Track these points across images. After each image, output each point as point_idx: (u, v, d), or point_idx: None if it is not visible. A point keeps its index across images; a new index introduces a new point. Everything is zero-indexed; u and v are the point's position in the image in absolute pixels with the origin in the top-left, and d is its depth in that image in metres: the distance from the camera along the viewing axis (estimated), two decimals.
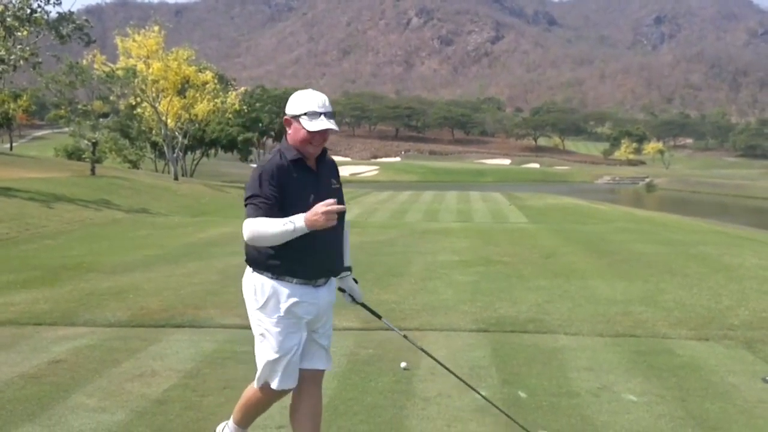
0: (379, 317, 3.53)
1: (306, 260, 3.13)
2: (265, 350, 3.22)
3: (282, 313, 3.16)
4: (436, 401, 4.62)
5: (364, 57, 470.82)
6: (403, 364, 5.30)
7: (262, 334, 3.22)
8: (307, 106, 3.14)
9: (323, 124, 3.13)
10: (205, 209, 26.39)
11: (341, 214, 3.09)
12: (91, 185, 25.04)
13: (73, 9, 24.95)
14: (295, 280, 3.17)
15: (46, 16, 22.45)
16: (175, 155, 39.61)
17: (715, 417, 4.41)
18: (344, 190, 3.51)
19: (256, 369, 3.32)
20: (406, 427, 4.17)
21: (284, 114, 3.24)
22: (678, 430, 4.21)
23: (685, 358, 5.68)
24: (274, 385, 3.24)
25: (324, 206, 2.92)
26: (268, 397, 3.34)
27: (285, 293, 3.16)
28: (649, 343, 6.14)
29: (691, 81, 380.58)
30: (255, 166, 3.24)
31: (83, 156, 37.89)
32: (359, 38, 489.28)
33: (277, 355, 3.18)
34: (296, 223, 2.94)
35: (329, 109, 3.18)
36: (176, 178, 36.36)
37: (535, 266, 10.45)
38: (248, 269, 3.27)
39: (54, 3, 22.44)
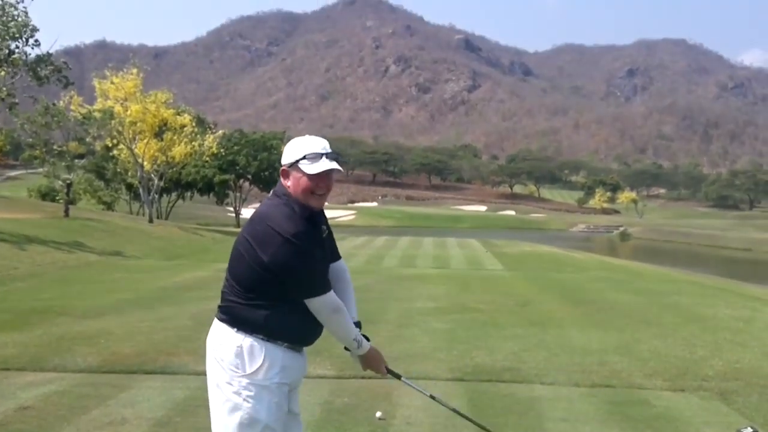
0: (399, 377, 3.29)
1: (305, 327, 2.89)
2: (247, 426, 2.77)
3: (278, 380, 2.82)
4: None
5: (343, 103, 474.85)
6: (378, 414, 5.25)
7: (245, 406, 2.77)
8: (307, 149, 2.81)
9: (325, 164, 2.80)
10: (180, 252, 26.17)
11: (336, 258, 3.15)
12: (64, 227, 24.74)
13: (52, 50, 24.93)
14: (286, 344, 2.87)
15: (24, 57, 22.41)
16: (150, 197, 39.37)
17: None
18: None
19: None
20: None
21: (281, 165, 2.92)
22: None
23: (661, 409, 5.68)
24: None
25: (383, 367, 3.12)
26: None
27: (279, 357, 2.83)
28: (624, 394, 6.14)
29: (664, 132, 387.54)
30: (271, 225, 2.78)
31: (57, 197, 37.55)
32: (338, 84, 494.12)
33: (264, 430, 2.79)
34: (360, 348, 3.01)
35: (330, 150, 2.85)
36: (151, 221, 36.02)
37: (511, 314, 10.46)
38: (226, 329, 2.84)
39: (33, 45, 22.44)
